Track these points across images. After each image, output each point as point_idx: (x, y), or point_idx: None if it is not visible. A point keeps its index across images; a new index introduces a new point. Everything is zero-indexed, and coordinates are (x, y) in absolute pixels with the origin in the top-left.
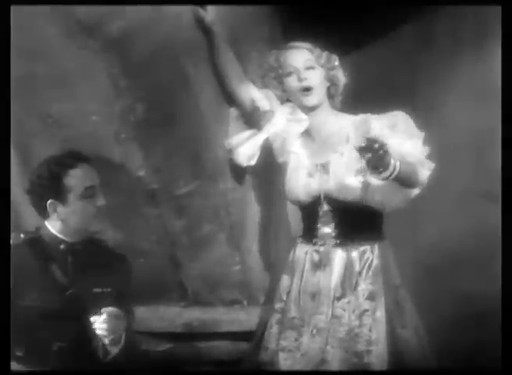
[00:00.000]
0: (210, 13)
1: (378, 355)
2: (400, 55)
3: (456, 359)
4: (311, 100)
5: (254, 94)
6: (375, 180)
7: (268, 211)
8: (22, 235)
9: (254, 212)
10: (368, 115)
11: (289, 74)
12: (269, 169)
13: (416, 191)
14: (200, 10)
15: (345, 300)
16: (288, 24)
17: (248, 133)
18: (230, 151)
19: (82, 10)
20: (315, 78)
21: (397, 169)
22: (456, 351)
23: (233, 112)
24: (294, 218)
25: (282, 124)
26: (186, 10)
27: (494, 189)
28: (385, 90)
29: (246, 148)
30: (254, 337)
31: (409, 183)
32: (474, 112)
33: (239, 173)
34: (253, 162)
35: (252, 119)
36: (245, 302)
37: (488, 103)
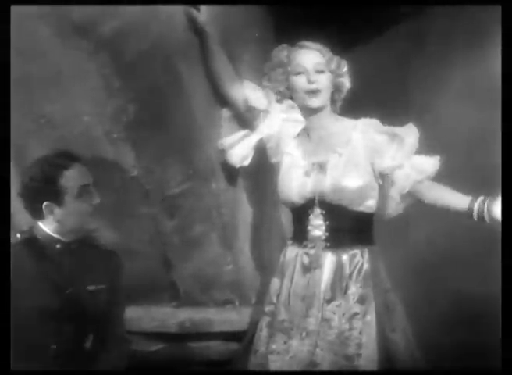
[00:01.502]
0: (203, 14)
1: (368, 358)
2: (394, 55)
3: (455, 360)
4: (316, 102)
5: (247, 93)
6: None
7: (260, 211)
8: (18, 235)
9: (246, 212)
10: (368, 119)
11: (298, 74)
12: (262, 170)
13: None
14: (193, 11)
15: (335, 303)
16: (280, 25)
17: (241, 133)
18: (223, 152)
19: (75, 11)
20: (323, 82)
21: None
22: (454, 352)
23: (226, 112)
24: (287, 218)
25: (277, 124)
26: (178, 11)
27: (489, 188)
28: (380, 90)
29: (239, 149)
30: (244, 338)
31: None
32: (470, 111)
33: (232, 173)
34: (246, 163)
35: (245, 119)
36: (237, 302)
37: (484, 103)
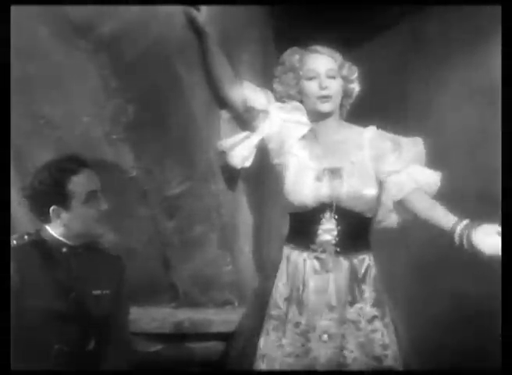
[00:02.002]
0: (202, 14)
1: (394, 358)
2: (393, 55)
3: (454, 361)
4: (327, 107)
5: (246, 94)
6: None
7: (260, 212)
8: (26, 236)
9: (245, 213)
10: (375, 128)
11: (310, 79)
12: (263, 171)
13: None
14: (192, 11)
15: (358, 305)
16: (280, 25)
17: (242, 135)
18: (224, 154)
19: (74, 11)
20: (335, 88)
21: None
22: (454, 353)
23: (225, 114)
24: (286, 219)
25: (278, 125)
26: (178, 11)
27: (487, 190)
28: (379, 91)
29: (240, 150)
30: (236, 341)
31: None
32: (470, 112)
33: (232, 175)
34: (248, 164)
35: (245, 120)
36: (236, 303)
37: (484, 103)
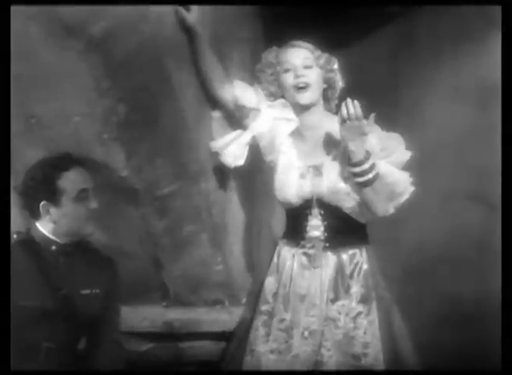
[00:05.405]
0: (193, 14)
1: (375, 357)
2: (383, 55)
3: (454, 361)
4: (305, 97)
5: (237, 92)
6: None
7: (250, 211)
8: (14, 236)
9: (236, 212)
10: (363, 122)
11: (286, 71)
12: (255, 169)
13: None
14: (183, 11)
15: (339, 303)
16: (270, 25)
17: (234, 134)
18: (216, 154)
19: (65, 10)
20: (312, 77)
21: (374, 172)
22: (454, 353)
23: (215, 113)
24: (277, 218)
25: (269, 122)
26: (168, 11)
27: (477, 189)
28: (369, 90)
29: (233, 148)
30: (234, 337)
31: (369, 206)
32: (459, 112)
33: (225, 175)
34: (241, 162)
35: (236, 119)
36: (227, 302)
37: (477, 102)
